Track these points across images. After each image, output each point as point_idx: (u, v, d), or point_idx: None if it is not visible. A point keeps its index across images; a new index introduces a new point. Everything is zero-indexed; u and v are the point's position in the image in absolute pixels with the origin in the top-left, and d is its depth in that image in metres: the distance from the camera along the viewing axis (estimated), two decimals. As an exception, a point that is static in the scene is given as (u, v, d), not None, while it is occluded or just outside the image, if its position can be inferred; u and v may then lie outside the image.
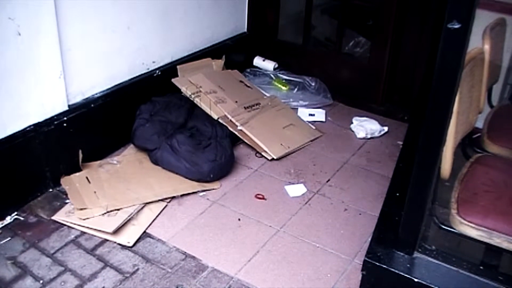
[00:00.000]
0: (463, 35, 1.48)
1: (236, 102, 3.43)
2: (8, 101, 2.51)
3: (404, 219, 1.87)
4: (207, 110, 3.28)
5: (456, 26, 1.47)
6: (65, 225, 2.58)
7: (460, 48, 1.51)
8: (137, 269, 2.36)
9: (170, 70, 3.41)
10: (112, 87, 3.08)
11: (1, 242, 2.46)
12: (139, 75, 3.25)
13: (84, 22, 2.78)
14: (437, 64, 1.54)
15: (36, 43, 2.53)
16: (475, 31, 1.68)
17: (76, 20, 2.73)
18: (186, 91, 3.33)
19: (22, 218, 2.61)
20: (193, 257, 2.44)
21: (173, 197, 2.80)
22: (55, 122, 2.73)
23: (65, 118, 2.77)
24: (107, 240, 2.51)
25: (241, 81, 3.74)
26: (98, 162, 2.99)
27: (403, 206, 1.86)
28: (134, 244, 2.50)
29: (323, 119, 3.69)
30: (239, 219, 2.70)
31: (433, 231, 1.97)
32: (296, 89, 3.91)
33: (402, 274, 1.81)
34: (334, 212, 2.79)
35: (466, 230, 1.80)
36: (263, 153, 3.22)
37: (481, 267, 1.84)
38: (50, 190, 2.80)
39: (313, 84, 3.89)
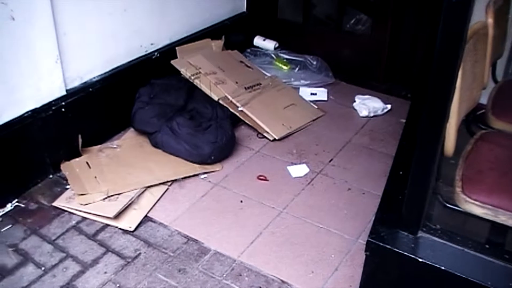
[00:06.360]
0: (466, 7, 1.43)
1: (237, 82, 3.39)
2: (4, 88, 2.48)
3: (408, 198, 1.83)
4: (207, 91, 3.24)
5: (459, -2, 1.42)
6: (66, 211, 2.56)
7: (462, 21, 1.46)
8: (139, 254, 2.34)
9: (168, 52, 3.36)
10: (110, 71, 3.04)
11: (2, 230, 2.45)
12: (138, 58, 3.21)
13: (79, 5, 2.73)
14: (438, 38, 1.49)
15: (31, 28, 2.49)
16: (478, 5, 1.63)
17: (71, 3, 2.68)
18: (186, 72, 3.29)
19: (22, 205, 2.60)
20: (195, 241, 2.42)
21: (174, 180, 2.78)
22: (53, 108, 2.70)
23: (63, 103, 2.74)
24: (109, 225, 2.49)
25: (241, 62, 3.70)
26: (98, 146, 2.96)
27: (407, 185, 1.82)
28: (136, 229, 2.48)
29: (325, 98, 3.65)
30: (241, 201, 2.68)
31: (437, 210, 1.93)
32: (297, 69, 3.86)
33: (407, 254, 1.77)
34: (337, 192, 2.76)
35: (471, 208, 1.77)
36: (265, 134, 3.18)
37: (487, 246, 1.81)
38: (50, 176, 2.78)
39: (314, 63, 3.84)
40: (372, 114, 3.45)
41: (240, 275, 2.25)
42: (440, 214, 1.94)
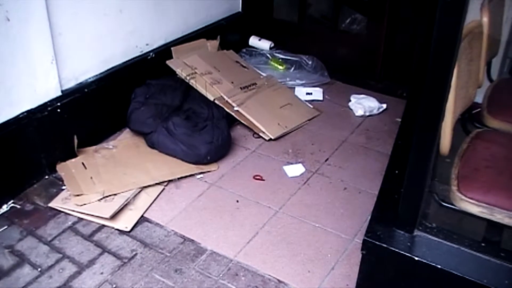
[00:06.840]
0: (461, 6, 1.44)
1: (232, 82, 3.39)
2: (-1, 88, 2.48)
3: (404, 196, 1.84)
4: (203, 91, 3.24)
5: (453, -3, 1.43)
6: (62, 212, 2.56)
7: (457, 20, 1.46)
8: (135, 254, 2.34)
9: (164, 52, 3.36)
10: (106, 71, 3.04)
11: (-2, 231, 2.45)
12: (133, 58, 3.21)
13: (75, 6, 2.73)
14: (434, 36, 1.50)
15: (26, 29, 2.48)
16: (474, 4, 1.63)
17: (67, 4, 2.67)
18: (181, 73, 3.29)
19: (18, 206, 2.59)
20: (192, 241, 2.42)
21: (170, 181, 2.78)
22: (49, 108, 2.70)
23: (58, 104, 2.74)
24: (105, 226, 2.49)
25: (236, 62, 3.70)
26: (94, 147, 2.96)
27: (403, 184, 1.83)
28: (132, 229, 2.48)
29: (321, 98, 3.65)
30: (237, 201, 2.68)
31: (433, 208, 1.94)
32: (292, 68, 3.86)
33: (403, 252, 1.78)
34: (334, 191, 2.77)
35: (467, 207, 1.77)
36: (261, 134, 3.19)
37: (483, 244, 1.82)
38: (46, 177, 2.77)
39: (310, 62, 3.85)
40: (367, 114, 3.46)
41: (237, 275, 2.25)
42: (436, 212, 1.94)
